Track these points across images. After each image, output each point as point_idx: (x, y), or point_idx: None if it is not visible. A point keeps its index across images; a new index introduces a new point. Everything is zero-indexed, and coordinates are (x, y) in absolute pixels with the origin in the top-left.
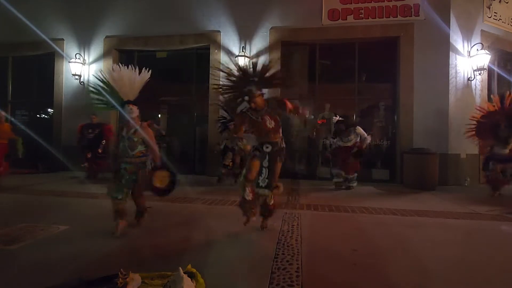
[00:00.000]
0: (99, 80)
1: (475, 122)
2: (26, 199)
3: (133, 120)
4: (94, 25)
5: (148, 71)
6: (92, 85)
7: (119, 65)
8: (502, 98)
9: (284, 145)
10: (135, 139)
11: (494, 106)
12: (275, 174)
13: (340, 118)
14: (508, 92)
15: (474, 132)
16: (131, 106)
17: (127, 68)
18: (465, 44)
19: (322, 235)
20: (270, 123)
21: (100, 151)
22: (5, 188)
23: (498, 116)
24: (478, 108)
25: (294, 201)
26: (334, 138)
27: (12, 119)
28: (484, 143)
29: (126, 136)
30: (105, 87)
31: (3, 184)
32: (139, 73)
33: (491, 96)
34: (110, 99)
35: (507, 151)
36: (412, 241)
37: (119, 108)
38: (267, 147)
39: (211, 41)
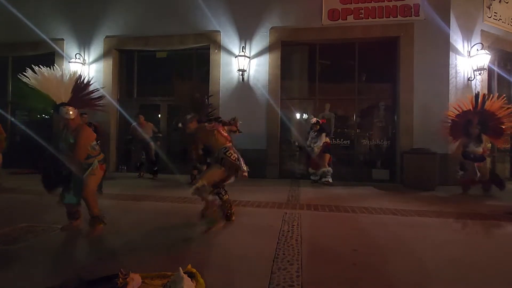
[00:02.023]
0: (23, 86)
1: (449, 121)
2: (26, 199)
3: (72, 121)
4: (94, 25)
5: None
6: (16, 91)
7: (40, 68)
8: (476, 98)
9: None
10: (71, 141)
11: (468, 105)
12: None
13: (316, 120)
14: (481, 93)
15: (448, 131)
16: (67, 107)
17: (52, 70)
18: (465, 44)
19: (322, 235)
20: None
21: None
22: (5, 188)
23: (471, 115)
24: (454, 107)
25: (294, 201)
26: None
27: (12, 119)
28: (457, 142)
29: (64, 136)
30: (31, 92)
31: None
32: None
33: (467, 96)
34: (37, 104)
35: (480, 149)
36: (412, 241)
37: (53, 112)
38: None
39: (211, 41)
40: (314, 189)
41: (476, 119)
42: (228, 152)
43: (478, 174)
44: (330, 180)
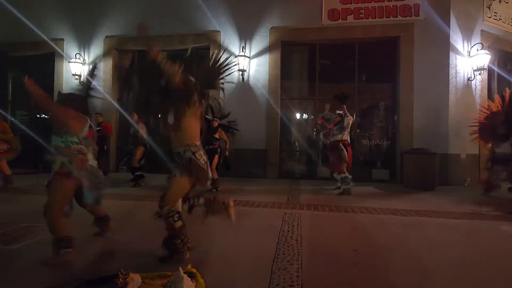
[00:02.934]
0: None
1: (477, 124)
2: (26, 199)
3: None
4: (94, 25)
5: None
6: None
7: None
8: (502, 97)
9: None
10: None
11: (497, 106)
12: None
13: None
14: (506, 90)
15: (477, 134)
16: None
17: None
18: (465, 44)
19: (322, 235)
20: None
21: (105, 148)
22: (5, 188)
23: (498, 115)
24: (482, 109)
25: (294, 201)
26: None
27: (12, 119)
28: (485, 145)
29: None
30: None
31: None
32: None
33: (495, 96)
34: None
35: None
36: (412, 241)
37: None
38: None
39: (211, 41)
40: (314, 189)
41: (503, 118)
42: (198, 153)
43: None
44: (349, 187)
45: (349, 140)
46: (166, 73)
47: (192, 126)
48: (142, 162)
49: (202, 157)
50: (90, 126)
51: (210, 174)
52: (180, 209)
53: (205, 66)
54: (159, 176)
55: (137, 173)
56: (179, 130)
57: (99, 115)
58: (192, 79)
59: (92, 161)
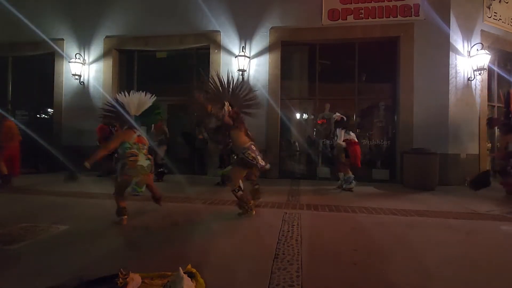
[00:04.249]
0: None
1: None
2: (26, 199)
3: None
4: (94, 25)
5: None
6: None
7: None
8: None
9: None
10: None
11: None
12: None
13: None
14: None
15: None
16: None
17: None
18: (465, 44)
19: (322, 235)
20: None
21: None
22: (3, 187)
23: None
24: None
25: (294, 201)
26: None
27: (12, 119)
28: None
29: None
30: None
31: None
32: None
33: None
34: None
35: None
36: (412, 241)
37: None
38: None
39: (211, 41)
40: (314, 189)
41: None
42: (247, 152)
43: None
44: (351, 186)
45: (353, 139)
46: (218, 117)
47: (239, 137)
48: (164, 160)
49: (250, 154)
50: (139, 135)
51: (259, 165)
52: (241, 185)
53: (237, 97)
54: (176, 177)
55: (160, 170)
56: (233, 142)
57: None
58: (232, 111)
59: (142, 162)
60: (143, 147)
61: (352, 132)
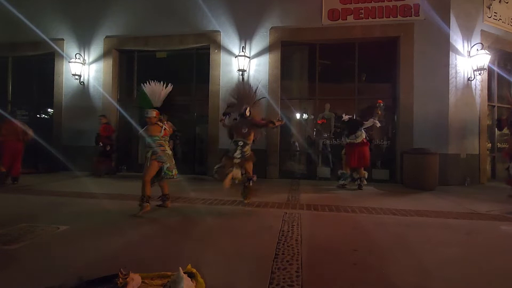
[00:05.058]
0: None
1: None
2: (26, 199)
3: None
4: (94, 25)
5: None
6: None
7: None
8: None
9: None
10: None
11: None
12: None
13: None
14: None
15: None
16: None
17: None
18: (465, 44)
19: (322, 235)
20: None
21: (107, 148)
22: (5, 188)
23: None
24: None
25: (294, 201)
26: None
27: (12, 119)
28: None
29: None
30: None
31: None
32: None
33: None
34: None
35: None
36: (412, 241)
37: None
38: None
39: (211, 41)
40: (314, 189)
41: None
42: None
43: None
44: (344, 182)
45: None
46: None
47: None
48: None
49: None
50: (165, 129)
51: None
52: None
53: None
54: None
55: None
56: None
57: (103, 117)
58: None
59: (168, 150)
60: (167, 138)
61: (359, 133)
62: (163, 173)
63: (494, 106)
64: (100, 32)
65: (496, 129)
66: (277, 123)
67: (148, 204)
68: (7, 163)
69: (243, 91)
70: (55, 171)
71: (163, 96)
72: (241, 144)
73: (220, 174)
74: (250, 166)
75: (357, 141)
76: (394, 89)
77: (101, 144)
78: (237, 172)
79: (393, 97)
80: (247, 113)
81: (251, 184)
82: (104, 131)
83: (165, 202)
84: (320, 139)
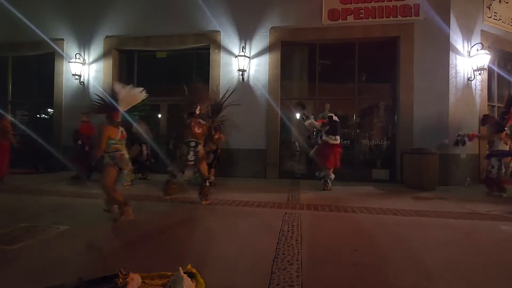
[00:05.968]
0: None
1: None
2: (26, 199)
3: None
4: (94, 25)
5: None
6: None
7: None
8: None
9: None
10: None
11: None
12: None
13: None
14: None
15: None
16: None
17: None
18: (465, 44)
19: (322, 235)
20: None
21: (86, 148)
22: (5, 188)
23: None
24: None
25: (294, 201)
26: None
27: (12, 119)
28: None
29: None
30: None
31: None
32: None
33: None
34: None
35: (507, 147)
36: (412, 241)
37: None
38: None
39: (211, 41)
40: (314, 189)
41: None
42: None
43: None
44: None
45: (328, 141)
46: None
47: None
48: (150, 160)
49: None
50: (122, 131)
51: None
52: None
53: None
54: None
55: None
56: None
57: (86, 115)
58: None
59: (126, 155)
60: (124, 142)
61: (339, 136)
62: (122, 179)
63: (494, 106)
64: (100, 32)
65: (480, 123)
66: (217, 136)
67: (129, 206)
68: None
69: (200, 90)
70: (55, 171)
71: (133, 100)
72: (193, 144)
73: (166, 190)
74: (204, 167)
75: (337, 142)
76: (394, 89)
77: (80, 143)
78: (188, 174)
79: (393, 97)
80: (197, 112)
81: (207, 184)
82: (85, 129)
83: (122, 209)
84: (320, 139)
